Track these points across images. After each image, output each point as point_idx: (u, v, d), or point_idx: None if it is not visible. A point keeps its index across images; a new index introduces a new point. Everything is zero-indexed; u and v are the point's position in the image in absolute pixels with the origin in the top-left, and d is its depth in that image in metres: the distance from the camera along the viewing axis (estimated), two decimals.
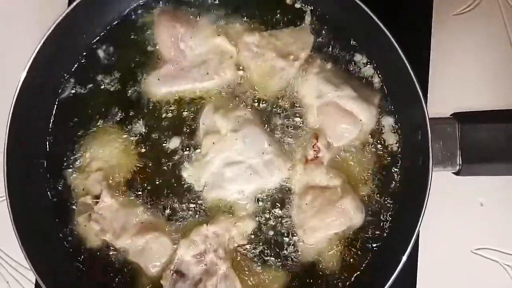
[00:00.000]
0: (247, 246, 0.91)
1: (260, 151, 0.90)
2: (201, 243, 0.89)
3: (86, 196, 0.91)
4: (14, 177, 0.87)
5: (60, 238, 0.93)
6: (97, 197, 0.91)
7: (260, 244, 0.91)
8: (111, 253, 0.92)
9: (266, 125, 0.93)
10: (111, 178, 0.92)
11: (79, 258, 0.92)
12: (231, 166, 0.90)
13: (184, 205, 0.92)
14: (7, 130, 0.87)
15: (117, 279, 0.92)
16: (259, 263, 0.91)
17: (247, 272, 0.90)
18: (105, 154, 0.93)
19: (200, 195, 0.92)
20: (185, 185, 0.93)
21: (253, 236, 0.91)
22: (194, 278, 0.89)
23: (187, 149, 0.93)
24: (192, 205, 0.92)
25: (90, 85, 0.96)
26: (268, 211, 0.92)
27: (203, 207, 0.92)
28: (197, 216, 0.92)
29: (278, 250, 0.91)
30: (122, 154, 0.93)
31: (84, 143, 0.94)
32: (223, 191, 0.91)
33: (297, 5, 0.97)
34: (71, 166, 0.94)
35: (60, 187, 0.94)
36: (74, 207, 0.93)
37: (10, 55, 1.07)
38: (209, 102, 0.94)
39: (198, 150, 0.93)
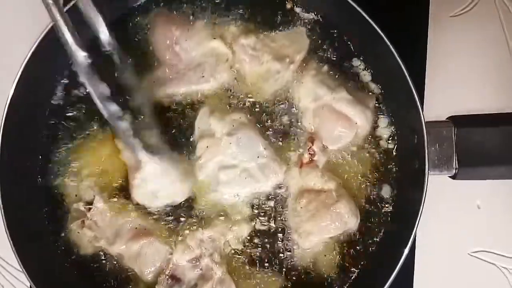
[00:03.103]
0: (243, 251, 0.91)
1: (255, 154, 0.90)
2: (196, 247, 0.88)
3: (79, 202, 0.91)
4: (7, 182, 0.87)
5: (54, 244, 0.92)
6: (90, 203, 0.90)
7: (256, 248, 0.91)
8: (105, 259, 0.91)
9: (261, 128, 0.93)
10: (103, 183, 0.91)
11: (73, 264, 0.92)
12: (225, 170, 0.90)
13: (178, 209, 0.92)
14: (0, 135, 0.86)
15: (112, 285, 0.91)
16: (255, 268, 0.90)
17: (243, 277, 0.90)
18: (96, 160, 0.92)
19: (195, 199, 0.92)
20: None
21: (248, 240, 0.91)
22: (190, 283, 0.88)
23: (183, 152, 0.93)
24: (186, 209, 0.92)
25: (83, 89, 0.95)
26: (263, 215, 0.91)
27: (198, 211, 0.92)
28: (192, 220, 0.91)
29: (273, 254, 0.91)
30: (114, 159, 0.92)
31: (75, 149, 0.93)
32: (218, 195, 0.91)
33: (296, 9, 0.96)
34: (62, 172, 0.93)
35: (52, 194, 0.93)
36: (67, 213, 0.92)
37: (10, 55, 1.06)
38: (205, 105, 0.94)
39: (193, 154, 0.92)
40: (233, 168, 0.90)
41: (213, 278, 0.87)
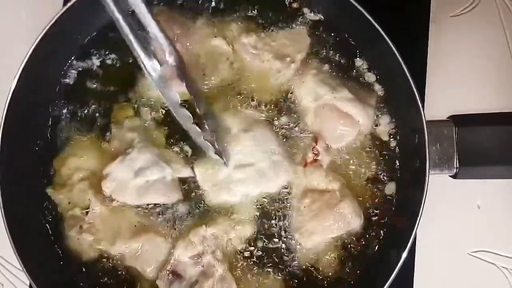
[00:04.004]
0: (245, 249, 0.90)
1: (268, 152, 0.89)
2: (199, 244, 0.88)
3: (74, 208, 0.90)
4: (7, 182, 0.86)
5: (55, 242, 0.92)
6: (84, 208, 0.89)
7: (258, 247, 0.91)
8: (107, 260, 0.91)
9: None
10: (97, 186, 0.89)
11: (75, 266, 0.91)
12: (242, 168, 0.89)
13: (182, 204, 0.91)
14: (0, 135, 0.86)
15: (115, 284, 0.91)
16: (257, 267, 0.90)
17: (244, 275, 0.90)
18: (86, 163, 0.91)
19: (202, 196, 0.91)
20: (186, 186, 0.92)
21: (251, 239, 0.90)
22: (191, 279, 0.88)
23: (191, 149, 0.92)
24: (190, 206, 0.91)
25: (83, 88, 0.95)
26: (267, 214, 0.91)
27: (203, 208, 0.91)
28: (195, 217, 0.91)
29: (275, 253, 0.91)
30: (104, 159, 0.91)
31: (63, 156, 0.93)
32: (228, 193, 0.90)
33: (301, 8, 0.96)
34: (51, 182, 0.93)
35: (46, 205, 0.92)
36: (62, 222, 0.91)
37: (10, 55, 1.06)
38: (216, 101, 0.93)
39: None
40: (249, 167, 0.89)
41: (214, 275, 0.87)
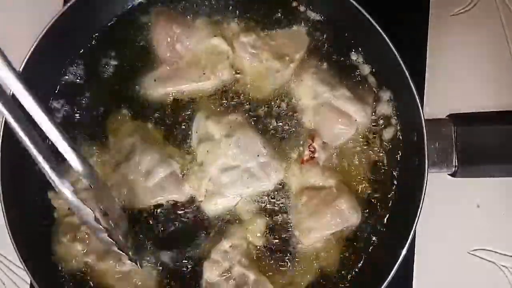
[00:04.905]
0: (265, 246, 0.90)
1: (255, 153, 0.89)
2: (223, 260, 0.87)
3: (72, 216, 0.89)
4: (8, 180, 0.86)
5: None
6: None
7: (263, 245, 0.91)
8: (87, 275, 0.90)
9: (261, 127, 0.93)
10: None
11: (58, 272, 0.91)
12: (227, 172, 0.89)
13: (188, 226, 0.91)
14: (1, 134, 0.86)
15: None
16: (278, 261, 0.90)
17: (273, 271, 0.90)
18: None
19: (203, 210, 0.91)
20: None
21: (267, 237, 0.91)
22: None
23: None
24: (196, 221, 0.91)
25: (83, 88, 0.95)
26: (266, 213, 0.91)
27: (207, 221, 0.91)
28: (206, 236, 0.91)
29: (276, 250, 0.91)
30: (103, 167, 0.90)
31: None
32: (222, 197, 0.90)
33: (300, 7, 0.96)
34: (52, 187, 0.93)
35: (48, 205, 0.92)
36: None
37: (10, 55, 1.06)
38: (200, 110, 0.93)
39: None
40: (234, 169, 0.89)
41: (248, 282, 0.86)
